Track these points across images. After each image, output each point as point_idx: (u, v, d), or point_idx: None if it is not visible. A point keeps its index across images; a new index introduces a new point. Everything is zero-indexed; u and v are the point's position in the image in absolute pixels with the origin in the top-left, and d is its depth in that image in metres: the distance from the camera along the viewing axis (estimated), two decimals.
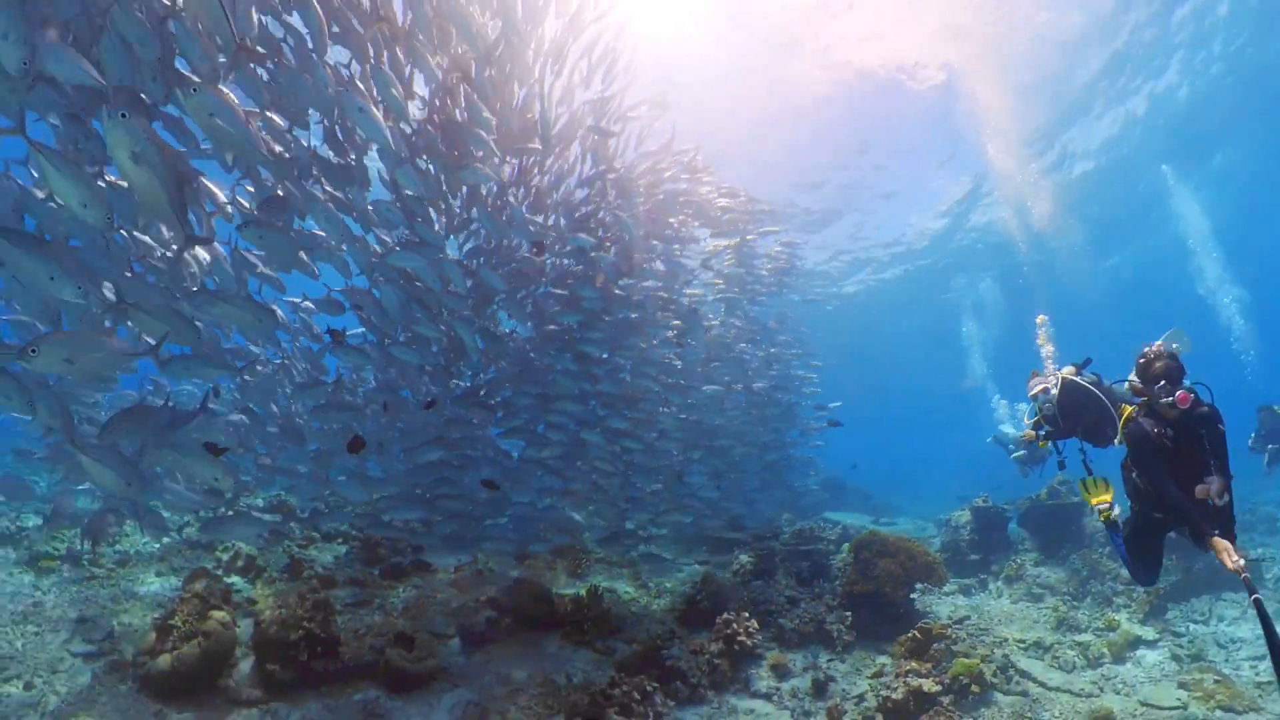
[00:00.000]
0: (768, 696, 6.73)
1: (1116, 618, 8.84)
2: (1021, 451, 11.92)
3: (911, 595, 8.87)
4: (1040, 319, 6.75)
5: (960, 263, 28.17)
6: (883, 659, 7.64)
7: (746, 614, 7.54)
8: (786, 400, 13.94)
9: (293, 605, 5.63)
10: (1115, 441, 5.22)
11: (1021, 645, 8.27)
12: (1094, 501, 5.30)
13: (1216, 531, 4.02)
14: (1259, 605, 3.57)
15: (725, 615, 7.34)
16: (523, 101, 8.05)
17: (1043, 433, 6.19)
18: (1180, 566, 9.91)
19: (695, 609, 8.21)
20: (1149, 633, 8.51)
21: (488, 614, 7.50)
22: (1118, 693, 7.12)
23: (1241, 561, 3.86)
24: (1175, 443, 4.30)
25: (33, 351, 4.27)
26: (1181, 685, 7.06)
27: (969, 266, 28.53)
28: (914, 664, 6.61)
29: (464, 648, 6.87)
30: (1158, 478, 4.35)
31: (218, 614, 5.50)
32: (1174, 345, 4.55)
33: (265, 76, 6.00)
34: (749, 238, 11.62)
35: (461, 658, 6.65)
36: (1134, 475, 4.73)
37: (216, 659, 5.34)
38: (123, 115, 4.03)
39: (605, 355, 9.63)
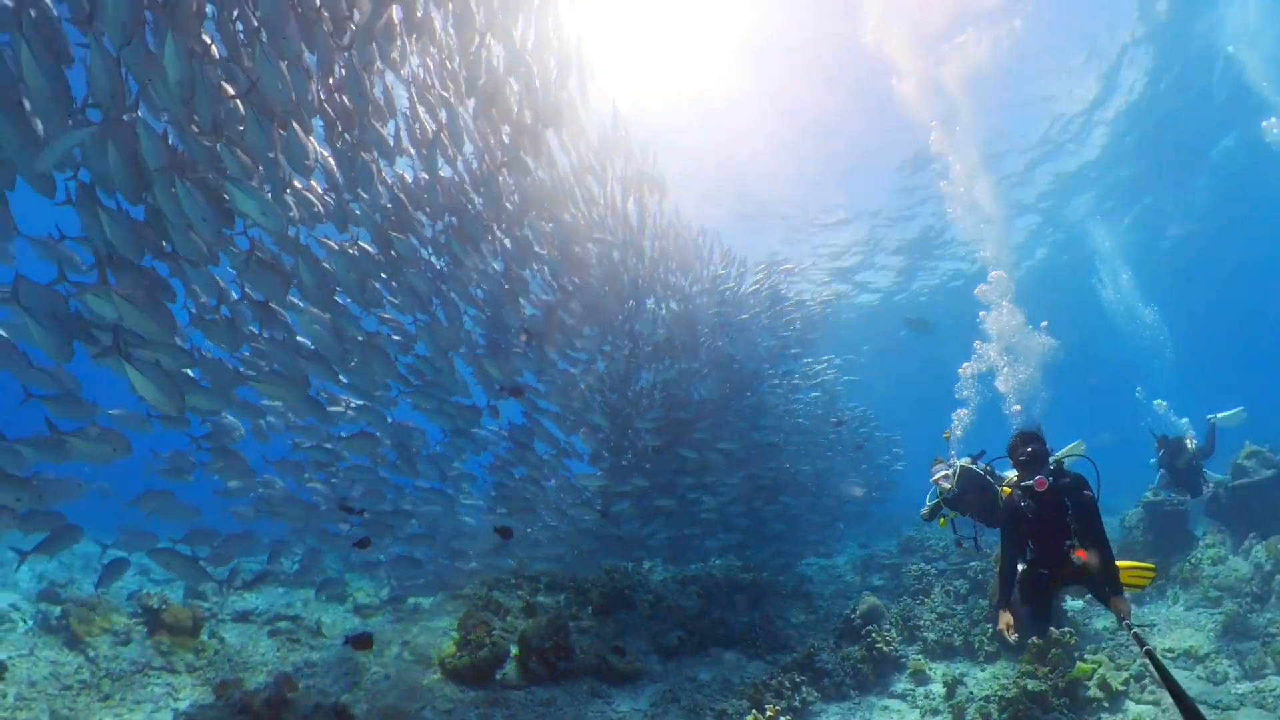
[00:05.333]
0: (903, 697, 8.02)
1: None
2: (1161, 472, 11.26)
3: (1064, 607, 9.58)
4: (955, 423, 7.55)
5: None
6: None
7: (889, 627, 8.96)
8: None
9: (545, 626, 8.18)
10: None
11: (1170, 655, 8.42)
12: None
13: (1008, 605, 5.15)
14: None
15: (869, 627, 8.81)
16: None
17: (945, 511, 6.89)
18: None
19: (850, 627, 9.66)
20: None
21: (679, 634, 9.58)
22: (1261, 706, 6.93)
23: (1014, 638, 4.96)
24: (1036, 514, 5.07)
25: None
26: None
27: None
28: (1032, 666, 7.43)
29: (660, 659, 8.99)
30: (1006, 547, 5.25)
31: (496, 633, 8.18)
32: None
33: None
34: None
35: (659, 665, 8.79)
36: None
37: (496, 660, 7.96)
38: None
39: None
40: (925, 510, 7.18)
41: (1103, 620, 10.12)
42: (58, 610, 8.63)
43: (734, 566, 14.28)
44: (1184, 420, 11.97)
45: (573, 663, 8.24)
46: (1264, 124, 16.58)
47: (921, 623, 9.55)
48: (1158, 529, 11.54)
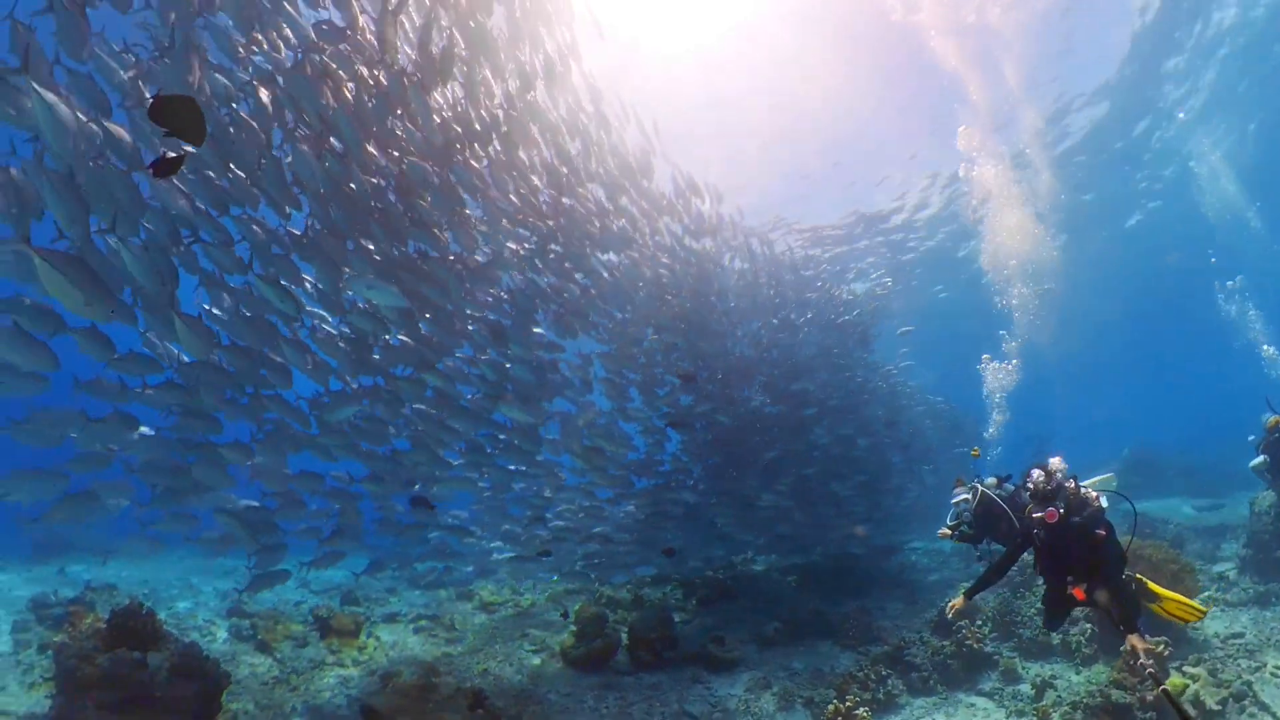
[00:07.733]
0: (990, 695, 8.14)
1: None
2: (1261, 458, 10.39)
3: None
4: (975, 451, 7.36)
5: None
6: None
7: (983, 622, 9.23)
8: None
9: (652, 618, 9.12)
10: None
11: None
12: None
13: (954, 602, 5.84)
14: None
15: (959, 623, 9.10)
16: None
17: (959, 533, 6.90)
18: None
19: (944, 620, 9.93)
20: None
21: (775, 625, 10.24)
22: None
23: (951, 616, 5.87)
24: (1045, 542, 5.26)
25: None
26: None
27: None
28: (1123, 675, 7.22)
29: (758, 648, 9.70)
30: (1000, 560, 5.62)
31: (609, 626, 9.20)
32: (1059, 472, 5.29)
33: None
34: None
35: (756, 654, 9.50)
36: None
37: (609, 650, 8.98)
38: None
39: None
40: (943, 530, 7.21)
41: (1215, 624, 9.29)
42: (246, 623, 10.64)
43: (834, 555, 14.75)
44: None
45: (677, 651, 9.12)
46: None
47: (1019, 618, 9.54)
48: None
